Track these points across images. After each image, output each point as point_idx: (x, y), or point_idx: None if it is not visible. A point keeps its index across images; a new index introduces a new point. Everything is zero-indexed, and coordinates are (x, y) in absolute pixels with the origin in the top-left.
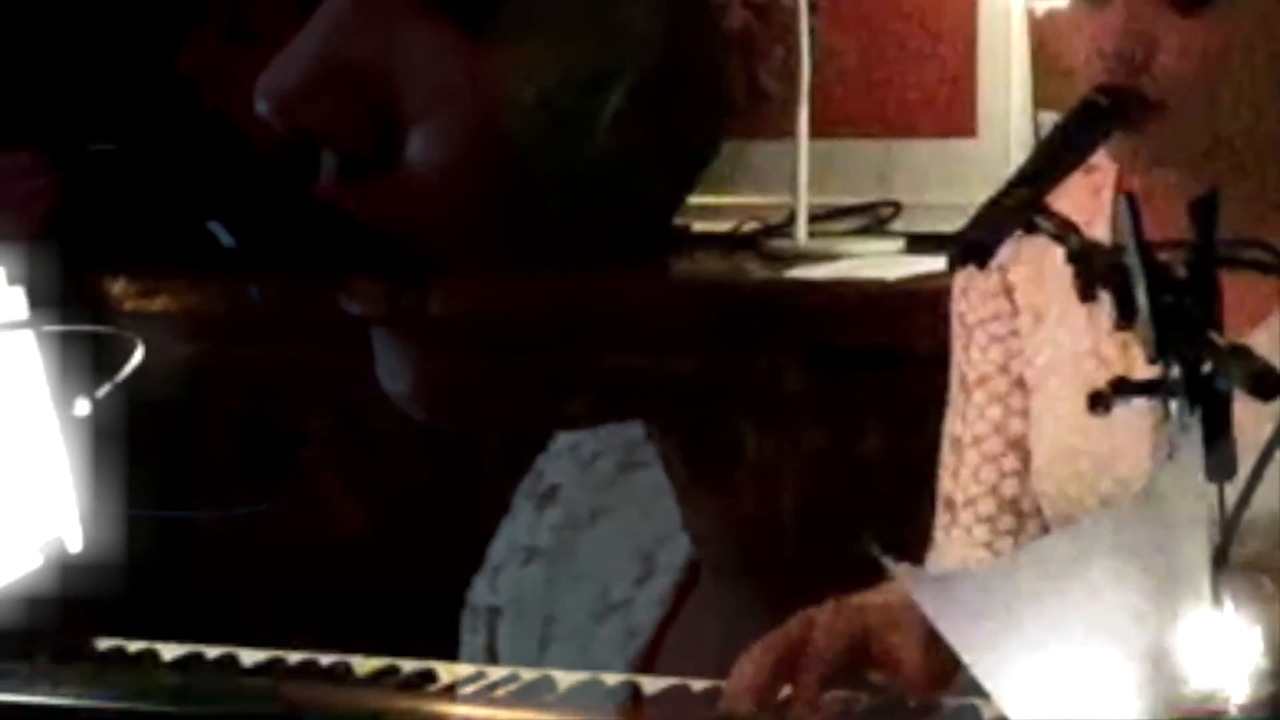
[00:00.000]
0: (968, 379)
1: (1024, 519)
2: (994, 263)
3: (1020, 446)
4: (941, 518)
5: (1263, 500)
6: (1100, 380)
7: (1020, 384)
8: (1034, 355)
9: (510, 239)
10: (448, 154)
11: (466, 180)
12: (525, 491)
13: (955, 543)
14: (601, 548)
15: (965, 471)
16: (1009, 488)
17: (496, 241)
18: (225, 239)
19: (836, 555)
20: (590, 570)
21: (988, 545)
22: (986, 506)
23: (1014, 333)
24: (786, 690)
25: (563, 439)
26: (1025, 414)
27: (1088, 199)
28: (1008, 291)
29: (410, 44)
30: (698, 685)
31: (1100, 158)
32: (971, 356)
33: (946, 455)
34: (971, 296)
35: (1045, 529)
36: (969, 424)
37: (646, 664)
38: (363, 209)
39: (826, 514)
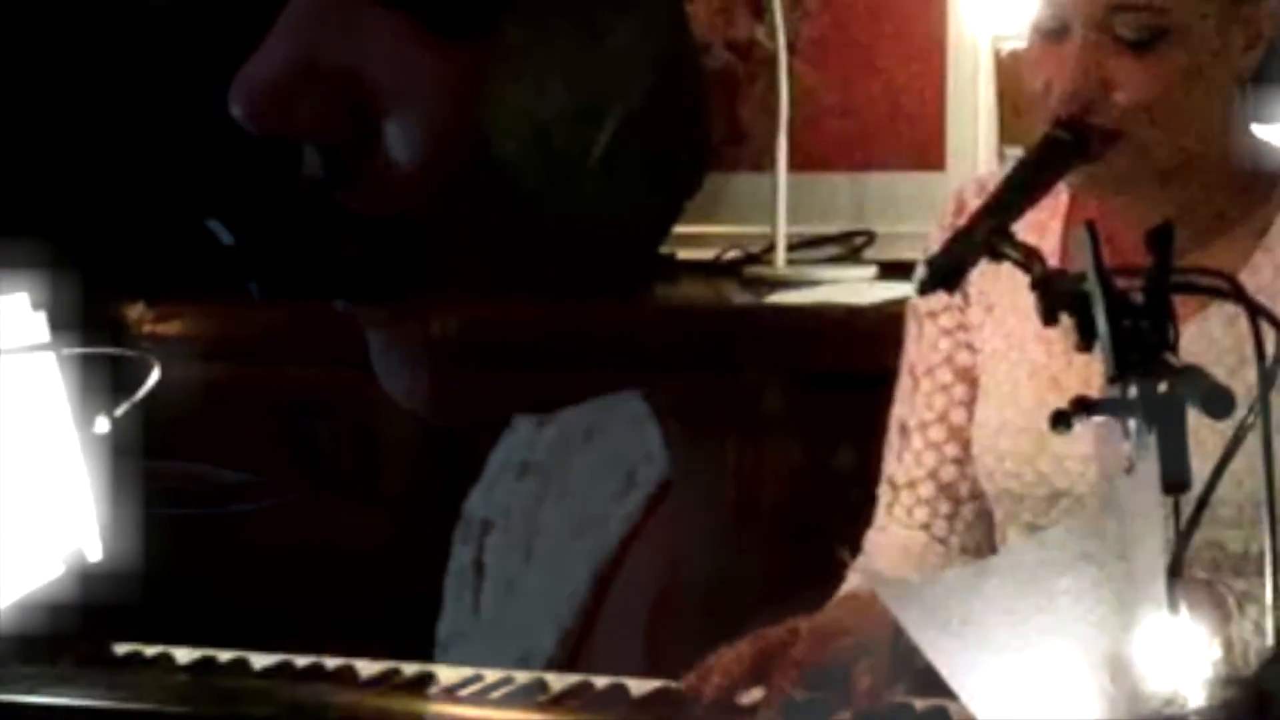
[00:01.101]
0: (916, 368)
1: (960, 504)
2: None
3: (960, 435)
4: (885, 495)
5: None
6: (1044, 363)
7: (964, 375)
8: (983, 344)
9: (506, 264)
10: (425, 159)
11: (444, 182)
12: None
13: (897, 522)
14: (589, 464)
15: (908, 455)
16: (948, 473)
17: (493, 266)
18: (225, 237)
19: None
20: (576, 486)
21: (925, 526)
22: (926, 490)
23: (962, 325)
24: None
25: None
26: (967, 404)
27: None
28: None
29: (380, 46)
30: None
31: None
32: (922, 348)
33: (892, 437)
34: None
35: (981, 513)
36: (915, 411)
37: (610, 572)
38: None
39: (803, 521)
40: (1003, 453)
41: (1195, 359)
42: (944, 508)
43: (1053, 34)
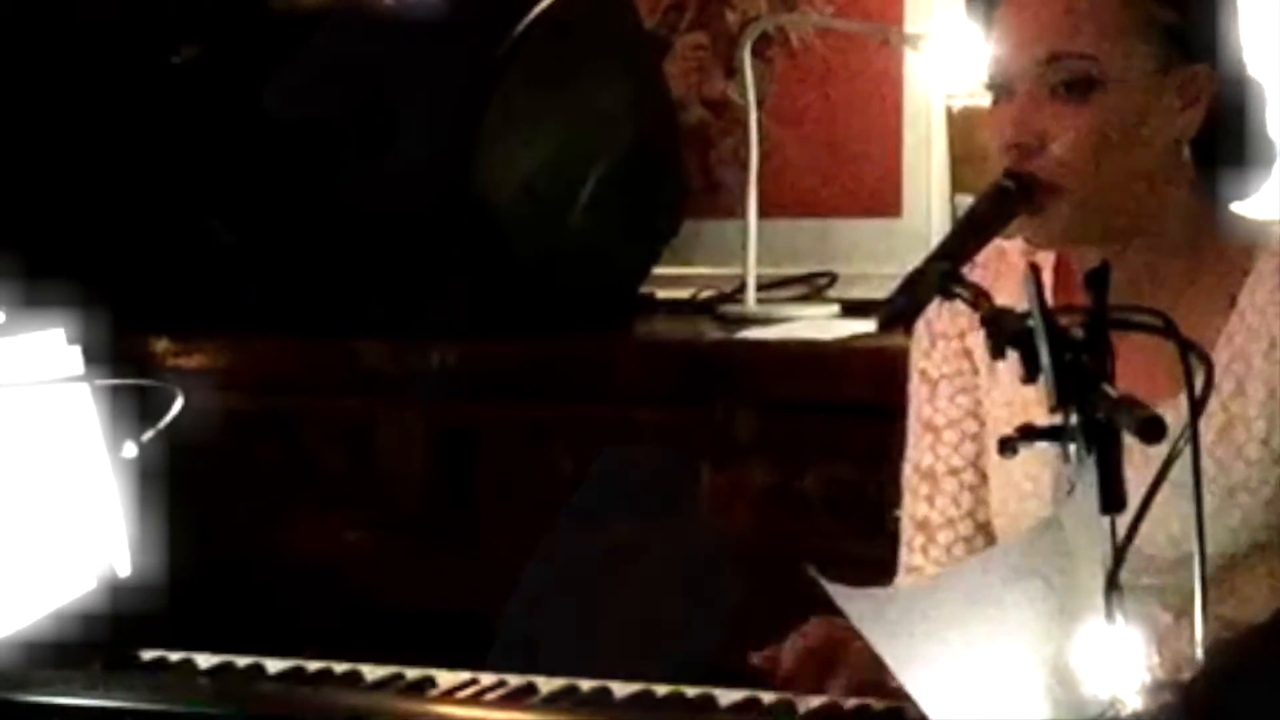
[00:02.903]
0: (935, 421)
1: (992, 539)
2: (954, 330)
3: (987, 479)
4: (915, 539)
5: (1154, 537)
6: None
7: (984, 427)
8: (989, 409)
9: (499, 304)
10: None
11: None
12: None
13: (934, 562)
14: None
15: (942, 498)
16: (982, 513)
17: (487, 307)
18: (224, 237)
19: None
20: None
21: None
22: (965, 528)
23: (976, 386)
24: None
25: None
26: (990, 453)
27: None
28: (968, 354)
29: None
30: (661, 690)
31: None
32: (938, 404)
33: (918, 485)
34: (935, 356)
35: None
36: (942, 458)
37: None
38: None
39: (772, 541)
40: (1015, 516)
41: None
42: (979, 543)
43: (1000, 91)
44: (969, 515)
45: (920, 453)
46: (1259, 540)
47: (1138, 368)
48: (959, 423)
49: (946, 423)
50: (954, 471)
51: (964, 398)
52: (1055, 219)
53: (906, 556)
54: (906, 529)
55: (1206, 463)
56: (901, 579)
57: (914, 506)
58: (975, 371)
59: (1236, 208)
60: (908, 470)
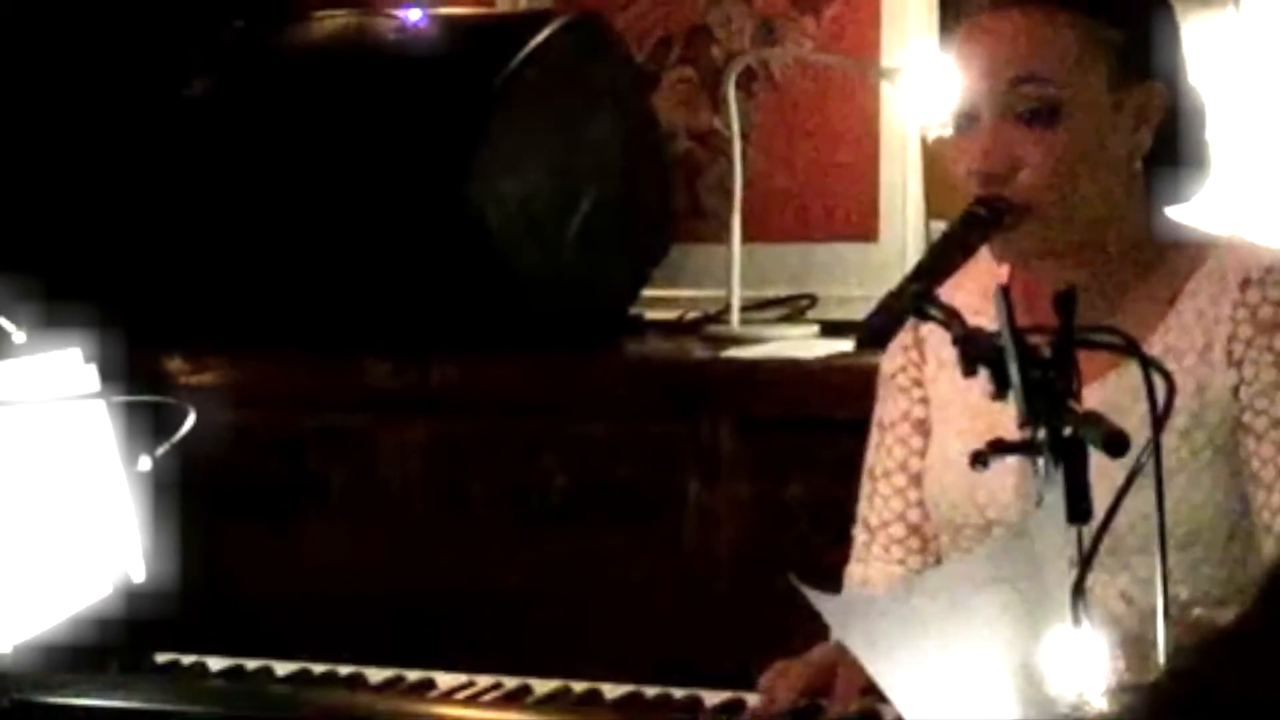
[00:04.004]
0: (883, 422)
1: (926, 540)
2: (911, 323)
3: (919, 481)
4: (861, 535)
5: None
6: (984, 408)
7: (919, 428)
8: (934, 394)
9: (496, 325)
10: None
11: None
12: None
13: (875, 559)
14: None
15: (878, 500)
16: (914, 515)
17: (485, 327)
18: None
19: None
20: None
21: (901, 562)
22: (898, 530)
23: (918, 381)
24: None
25: None
26: (923, 454)
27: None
28: (919, 344)
29: None
30: (650, 691)
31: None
32: (886, 404)
33: (865, 483)
34: (890, 349)
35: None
36: (880, 460)
37: None
38: None
39: (753, 549)
40: (945, 487)
41: (1109, 405)
42: (914, 544)
43: (968, 120)
44: (900, 518)
45: (870, 452)
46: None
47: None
48: (896, 425)
49: (889, 423)
50: (887, 474)
51: (904, 399)
52: (1024, 237)
53: (854, 549)
54: (857, 523)
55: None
56: (850, 568)
57: (860, 503)
58: (922, 360)
59: (1179, 213)
60: (864, 466)
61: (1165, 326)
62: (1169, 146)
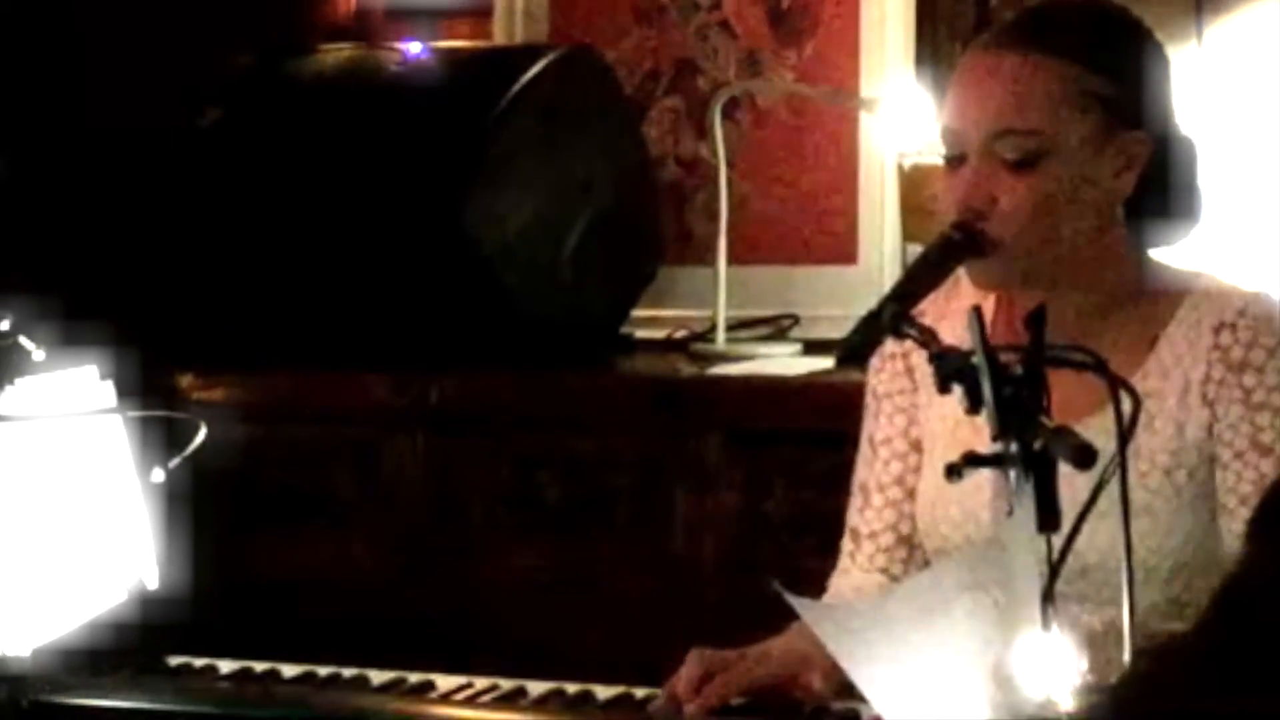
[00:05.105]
0: (875, 438)
1: (913, 550)
2: (900, 349)
3: (913, 495)
4: (847, 544)
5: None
6: (972, 442)
7: (916, 446)
8: (926, 422)
9: (493, 344)
10: None
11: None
12: None
13: (859, 567)
14: None
15: (870, 512)
16: (905, 526)
17: (482, 346)
18: (241, 281)
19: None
20: None
21: (884, 570)
22: (887, 540)
23: (914, 405)
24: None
25: None
26: (918, 470)
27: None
28: (909, 372)
29: None
30: (640, 692)
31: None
32: (880, 422)
33: (855, 496)
34: (883, 375)
35: (926, 560)
36: (875, 474)
37: None
38: None
39: (740, 559)
40: (938, 518)
41: None
42: (900, 554)
43: (954, 160)
44: (891, 528)
45: (861, 465)
46: (1151, 565)
47: (1064, 390)
48: (892, 441)
49: (884, 439)
50: (882, 487)
51: (900, 417)
52: (997, 266)
53: (840, 559)
54: (845, 534)
55: (1113, 484)
56: (834, 579)
57: (850, 515)
58: (915, 389)
59: (1162, 256)
60: (854, 480)
61: (1144, 371)
62: (1158, 193)
